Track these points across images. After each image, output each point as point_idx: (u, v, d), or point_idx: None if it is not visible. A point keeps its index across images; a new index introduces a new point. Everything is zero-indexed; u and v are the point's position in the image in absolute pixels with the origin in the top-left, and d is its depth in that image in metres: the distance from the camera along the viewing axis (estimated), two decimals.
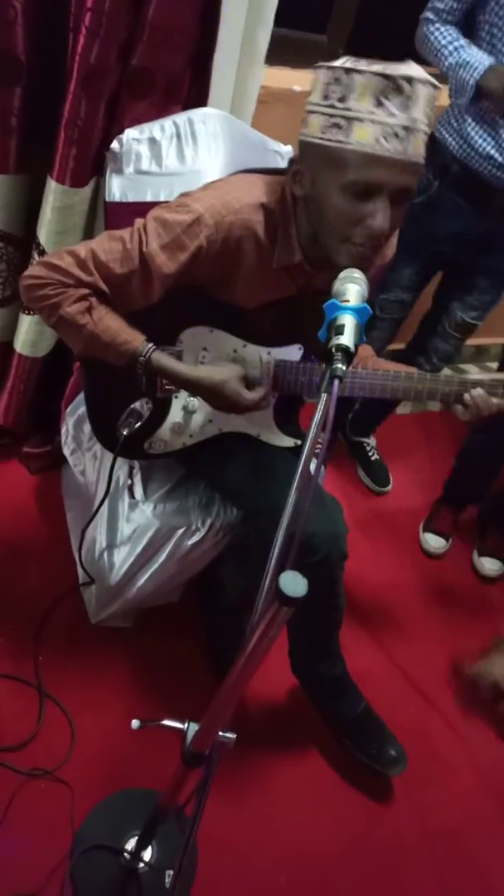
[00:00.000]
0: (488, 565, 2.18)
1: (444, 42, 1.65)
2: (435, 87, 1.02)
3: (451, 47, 1.63)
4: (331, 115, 1.03)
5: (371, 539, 2.17)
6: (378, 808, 1.57)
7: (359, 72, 0.99)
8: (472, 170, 1.70)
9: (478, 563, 2.19)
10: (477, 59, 1.59)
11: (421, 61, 1.13)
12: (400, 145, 1.01)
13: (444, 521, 2.22)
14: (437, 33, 1.66)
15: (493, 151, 1.66)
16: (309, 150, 1.09)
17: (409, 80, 0.98)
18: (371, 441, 2.43)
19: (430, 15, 1.68)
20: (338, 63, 1.02)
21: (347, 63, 1.01)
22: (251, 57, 1.64)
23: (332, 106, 1.03)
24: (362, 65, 1.00)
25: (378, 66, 0.99)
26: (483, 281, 1.94)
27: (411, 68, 0.99)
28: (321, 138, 1.05)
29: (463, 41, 1.64)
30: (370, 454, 2.41)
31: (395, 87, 0.98)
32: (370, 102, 0.99)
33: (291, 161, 1.14)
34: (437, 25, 1.66)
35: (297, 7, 1.80)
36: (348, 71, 1.00)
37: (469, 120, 1.67)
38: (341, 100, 1.01)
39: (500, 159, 1.66)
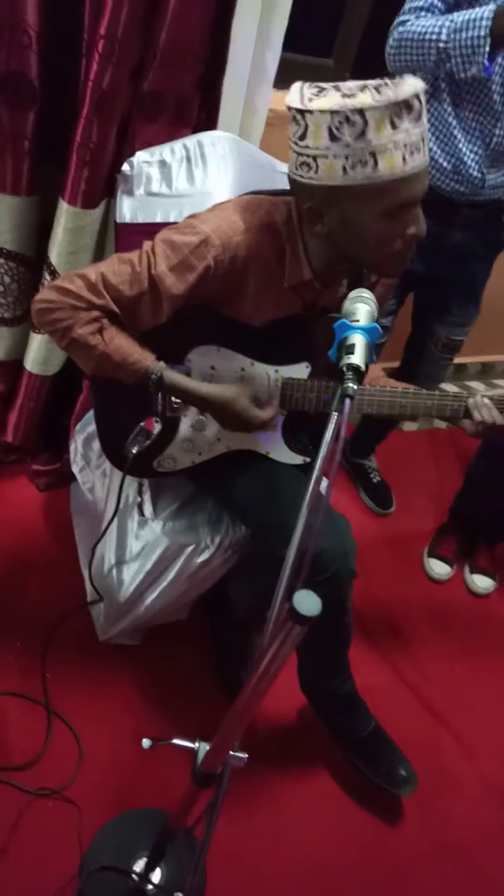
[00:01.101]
0: (480, 583, 2.15)
1: (428, 25, 1.52)
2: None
3: (438, 24, 1.50)
4: (349, 156, 1.03)
5: (377, 557, 2.16)
6: (387, 824, 1.55)
7: (372, 108, 0.99)
8: (434, 185, 1.70)
9: (469, 581, 2.17)
10: (476, 12, 1.46)
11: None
12: (421, 156, 1.05)
13: (449, 546, 2.20)
14: (417, 23, 1.54)
15: (449, 166, 1.67)
16: (330, 194, 1.09)
17: (417, 95, 1.01)
18: (372, 462, 2.42)
19: (405, 17, 1.57)
20: (304, 103, 1.02)
21: (321, 100, 1.01)
22: (260, 80, 1.67)
23: (347, 146, 1.02)
24: (366, 97, 1.00)
25: (382, 92, 1.00)
26: (459, 297, 1.93)
27: (411, 84, 1.02)
28: (348, 179, 1.05)
29: (448, 17, 1.51)
30: (371, 476, 2.39)
31: (405, 107, 1.01)
32: (388, 129, 1.01)
33: (309, 208, 1.14)
34: (413, 19, 1.56)
35: (305, 31, 1.83)
36: (358, 111, 1.00)
37: (428, 134, 1.69)
38: (359, 137, 1.01)
39: (457, 174, 1.67)
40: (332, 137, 1.03)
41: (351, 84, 1.03)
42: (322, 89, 1.04)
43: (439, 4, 1.55)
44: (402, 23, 1.57)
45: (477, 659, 1.95)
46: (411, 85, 1.01)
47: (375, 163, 1.03)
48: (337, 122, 1.01)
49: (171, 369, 1.22)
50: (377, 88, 1.01)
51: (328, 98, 1.02)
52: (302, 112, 1.04)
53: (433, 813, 1.60)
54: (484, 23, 1.43)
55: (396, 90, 1.00)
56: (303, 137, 1.06)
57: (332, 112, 1.01)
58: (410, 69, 1.59)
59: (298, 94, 1.05)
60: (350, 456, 2.42)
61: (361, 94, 1.00)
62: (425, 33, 1.52)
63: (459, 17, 1.49)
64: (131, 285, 1.17)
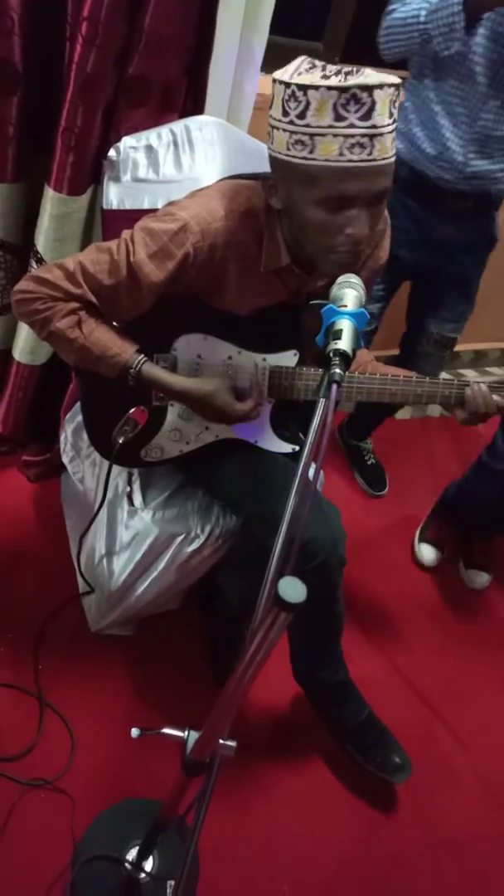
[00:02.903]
0: (476, 578, 2.15)
1: (410, 10, 1.57)
2: (395, 86, 1.00)
3: (418, 7, 1.55)
4: (293, 132, 1.02)
5: (370, 545, 2.16)
6: (382, 817, 1.56)
7: (314, 88, 0.97)
8: (420, 172, 1.71)
9: (465, 576, 2.16)
10: None
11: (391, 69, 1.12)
12: (365, 153, 1.01)
13: (438, 530, 2.19)
14: (402, 9, 1.58)
15: (433, 151, 1.67)
16: (279, 166, 1.08)
17: (366, 88, 0.97)
18: (368, 445, 2.43)
19: (393, 6, 1.61)
20: (289, 74, 1.00)
21: (300, 73, 0.99)
22: (247, 64, 1.65)
23: (292, 122, 1.01)
24: (315, 76, 0.98)
25: (332, 78, 0.98)
26: (452, 292, 1.93)
27: (367, 76, 0.98)
28: (287, 154, 1.04)
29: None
30: (367, 458, 2.40)
31: (352, 98, 0.97)
32: (329, 117, 0.99)
33: (264, 177, 1.14)
34: (399, 6, 1.60)
35: (293, 15, 1.81)
36: (302, 87, 0.98)
37: (414, 121, 1.68)
38: (300, 116, 1.00)
39: (441, 160, 1.67)
40: (283, 111, 1.02)
41: (330, 66, 1.01)
42: (312, 66, 1.02)
43: None
44: (390, 11, 1.62)
45: (471, 649, 1.96)
46: (367, 77, 0.98)
47: (313, 146, 1.01)
48: (286, 96, 1.01)
49: (152, 362, 1.21)
50: (336, 73, 0.99)
51: (293, 71, 1.00)
52: (273, 81, 1.03)
53: (427, 806, 1.60)
54: (456, 1, 1.48)
55: (346, 79, 0.97)
56: (271, 106, 1.06)
57: (284, 85, 1.00)
58: (400, 54, 1.64)
59: (290, 65, 1.03)
60: (347, 437, 2.42)
61: (311, 73, 0.99)
62: (407, 17, 1.57)
63: None
64: (110, 274, 1.15)
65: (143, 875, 1.29)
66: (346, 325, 0.87)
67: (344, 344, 0.84)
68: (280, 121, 1.03)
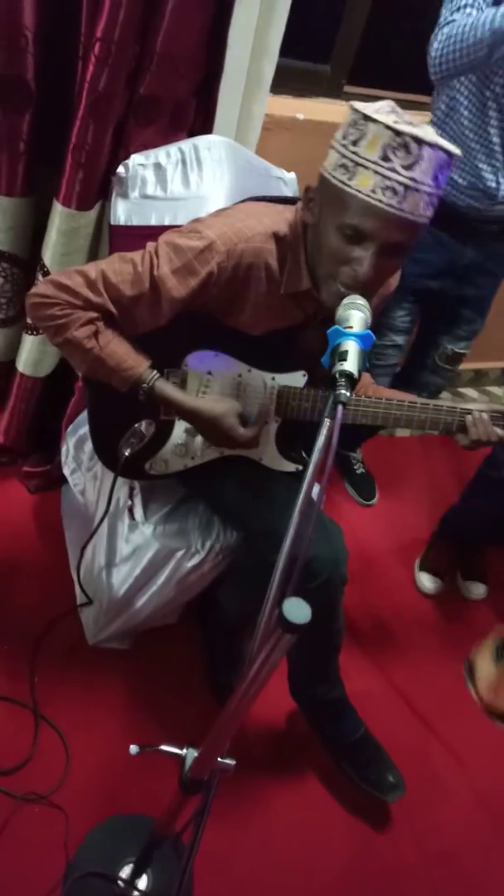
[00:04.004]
0: (474, 589, 2.17)
1: (477, 17, 1.51)
2: (449, 154, 1.03)
3: (487, 14, 1.50)
4: (342, 155, 1.05)
5: (368, 562, 2.16)
6: (377, 832, 1.55)
7: (374, 121, 1.01)
8: (449, 202, 1.73)
9: (463, 587, 2.18)
10: None
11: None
12: (395, 200, 1.03)
13: (440, 559, 2.18)
14: (466, 20, 1.52)
15: (464, 182, 1.69)
16: (322, 183, 1.11)
17: (418, 140, 1.00)
18: (357, 455, 2.44)
19: (452, 17, 1.57)
20: (368, 108, 1.04)
21: (378, 111, 1.03)
22: (256, 85, 1.68)
23: (345, 146, 1.05)
24: (387, 117, 1.01)
25: (394, 120, 1.01)
26: (468, 311, 1.97)
27: (425, 131, 1.01)
28: (331, 174, 1.08)
29: (495, 8, 1.50)
30: (356, 468, 2.42)
31: (402, 145, 1.01)
32: (377, 154, 1.02)
33: (308, 188, 1.16)
34: (460, 18, 1.55)
35: (302, 37, 1.84)
36: (367, 118, 1.02)
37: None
38: (354, 143, 1.04)
39: (473, 189, 1.69)
40: (344, 134, 1.06)
41: (406, 115, 1.03)
42: (391, 111, 1.04)
43: (482, 3, 1.55)
44: (450, 23, 1.57)
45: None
46: (425, 133, 1.01)
47: (353, 174, 1.04)
48: (352, 121, 1.05)
49: (165, 378, 1.22)
50: (400, 118, 1.02)
51: (374, 108, 1.04)
52: (350, 106, 1.07)
53: (422, 820, 1.59)
54: None
55: (406, 126, 1.00)
56: (339, 128, 1.09)
57: (355, 110, 1.04)
58: (457, 68, 1.58)
59: (377, 103, 1.06)
60: (337, 448, 2.43)
61: (387, 115, 1.02)
62: (476, 24, 1.52)
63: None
64: (132, 285, 1.16)
65: (136, 893, 1.28)
66: (351, 347, 0.88)
67: (349, 365, 0.85)
68: (338, 141, 1.07)
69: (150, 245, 1.18)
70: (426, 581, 2.15)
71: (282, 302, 1.23)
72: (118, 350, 1.18)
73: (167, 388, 1.22)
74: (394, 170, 1.02)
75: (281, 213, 1.21)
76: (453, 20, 1.58)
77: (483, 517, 2.08)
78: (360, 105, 1.05)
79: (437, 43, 1.60)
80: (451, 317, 1.97)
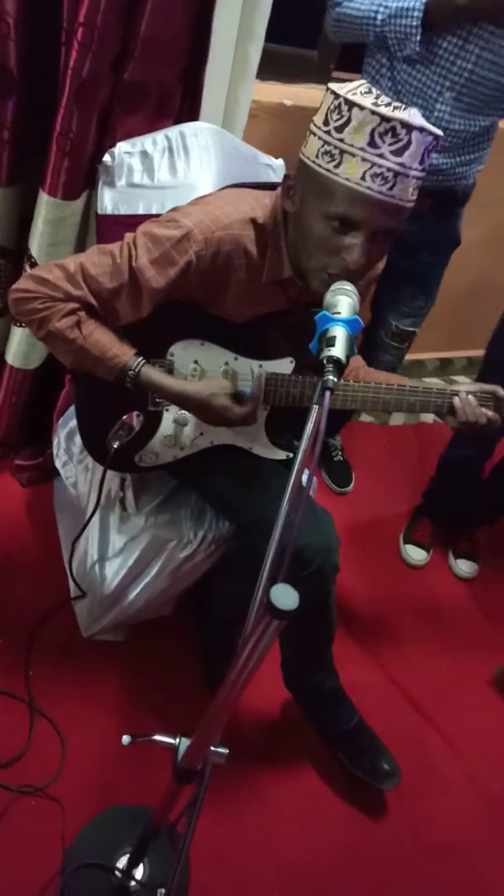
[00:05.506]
0: (464, 567, 2.20)
1: (363, 8, 1.58)
2: (436, 137, 1.02)
3: (373, 8, 1.56)
4: (326, 142, 1.03)
5: (359, 549, 2.16)
6: (373, 822, 1.55)
7: (360, 107, 0.99)
8: None
9: (454, 566, 2.21)
10: (408, 2, 1.51)
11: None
12: (385, 187, 1.02)
13: (424, 531, 2.23)
14: (352, 5, 1.59)
15: None
16: (303, 170, 1.09)
17: (407, 126, 0.99)
18: (336, 441, 2.44)
19: None
20: (345, 89, 1.02)
21: (355, 92, 1.01)
22: (242, 71, 1.66)
23: (329, 133, 1.03)
24: (367, 99, 1.00)
25: (381, 106, 0.99)
26: (409, 287, 1.94)
27: (412, 116, 1.00)
28: (314, 162, 1.05)
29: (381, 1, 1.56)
30: (334, 455, 2.42)
31: (390, 130, 0.99)
32: (364, 140, 1.00)
33: (286, 176, 1.15)
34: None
35: (288, 23, 1.82)
36: (349, 103, 1.00)
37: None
38: (338, 129, 1.02)
39: None
40: (325, 120, 1.04)
41: (384, 97, 1.02)
42: (368, 92, 1.02)
43: None
44: (338, 4, 1.62)
45: (463, 653, 1.96)
46: (412, 117, 0.99)
47: (340, 162, 1.02)
48: (332, 106, 1.02)
49: (150, 365, 1.21)
50: (387, 105, 1.00)
51: (349, 88, 1.02)
52: (326, 89, 1.05)
53: (419, 810, 1.60)
54: (416, 13, 1.51)
55: (393, 111, 0.99)
56: (316, 112, 1.07)
57: (335, 95, 1.02)
58: (352, 42, 1.67)
59: (351, 83, 1.05)
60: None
61: (365, 97, 1.00)
62: (361, 16, 1.59)
63: (393, 3, 1.54)
64: (111, 277, 1.15)
65: (133, 883, 1.28)
66: (339, 332, 0.87)
67: (337, 351, 0.84)
68: (319, 128, 1.05)
69: (128, 236, 1.17)
70: (412, 553, 2.19)
71: (264, 289, 1.22)
72: (102, 339, 1.17)
73: (154, 374, 1.21)
74: (382, 156, 1.00)
75: (259, 200, 1.19)
76: (341, 1, 1.61)
77: (460, 497, 2.11)
78: (336, 87, 1.03)
79: (331, 19, 1.65)
80: (394, 292, 1.95)
